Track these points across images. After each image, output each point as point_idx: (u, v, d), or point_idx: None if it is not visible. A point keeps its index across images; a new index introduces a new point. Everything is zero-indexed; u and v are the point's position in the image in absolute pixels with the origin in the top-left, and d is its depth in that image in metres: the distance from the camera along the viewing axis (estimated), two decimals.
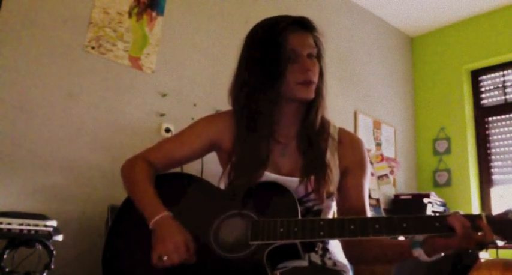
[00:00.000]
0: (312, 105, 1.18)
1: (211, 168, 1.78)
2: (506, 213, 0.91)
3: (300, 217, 1.02)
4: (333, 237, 0.99)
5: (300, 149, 1.18)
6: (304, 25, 1.17)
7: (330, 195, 1.15)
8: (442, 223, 0.92)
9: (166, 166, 1.25)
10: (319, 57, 1.19)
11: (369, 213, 1.19)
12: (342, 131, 1.25)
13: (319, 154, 1.16)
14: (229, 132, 1.21)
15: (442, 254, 0.96)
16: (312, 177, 1.12)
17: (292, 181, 1.12)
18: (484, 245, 0.92)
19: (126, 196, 1.19)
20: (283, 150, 1.19)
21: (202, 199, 1.15)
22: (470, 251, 1.74)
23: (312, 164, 1.13)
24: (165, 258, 1.00)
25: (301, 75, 1.12)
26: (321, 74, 1.19)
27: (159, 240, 1.02)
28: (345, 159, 1.20)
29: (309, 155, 1.15)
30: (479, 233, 0.91)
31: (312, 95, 1.14)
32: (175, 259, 0.99)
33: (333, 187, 1.14)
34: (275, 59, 1.10)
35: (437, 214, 1.12)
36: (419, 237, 0.97)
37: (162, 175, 1.23)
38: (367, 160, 1.24)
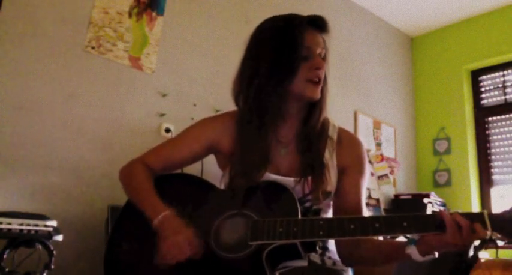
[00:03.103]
0: (315, 106, 1.19)
1: (211, 168, 1.77)
2: (509, 211, 0.89)
3: (300, 216, 1.02)
4: (332, 237, 0.99)
5: (299, 150, 1.18)
6: (319, 25, 1.18)
7: (327, 195, 1.15)
8: (439, 221, 0.91)
9: (165, 169, 1.24)
10: (324, 59, 1.19)
11: (366, 212, 1.19)
12: (341, 131, 1.25)
13: (317, 154, 1.16)
14: (228, 134, 1.21)
15: (436, 254, 0.94)
16: (309, 177, 1.12)
17: (290, 181, 1.12)
18: (482, 242, 0.90)
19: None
20: (283, 150, 1.19)
21: (203, 199, 1.15)
22: (469, 251, 1.73)
23: (310, 165, 1.14)
24: (168, 257, 1.00)
25: (311, 73, 1.13)
26: (325, 76, 1.20)
27: (162, 240, 1.02)
28: (343, 158, 1.20)
29: (308, 156, 1.15)
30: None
31: (319, 96, 1.16)
32: (179, 257, 0.99)
33: (330, 186, 1.14)
34: (290, 55, 1.11)
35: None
36: (415, 234, 0.96)
37: (162, 176, 1.23)
38: (366, 159, 1.24)
